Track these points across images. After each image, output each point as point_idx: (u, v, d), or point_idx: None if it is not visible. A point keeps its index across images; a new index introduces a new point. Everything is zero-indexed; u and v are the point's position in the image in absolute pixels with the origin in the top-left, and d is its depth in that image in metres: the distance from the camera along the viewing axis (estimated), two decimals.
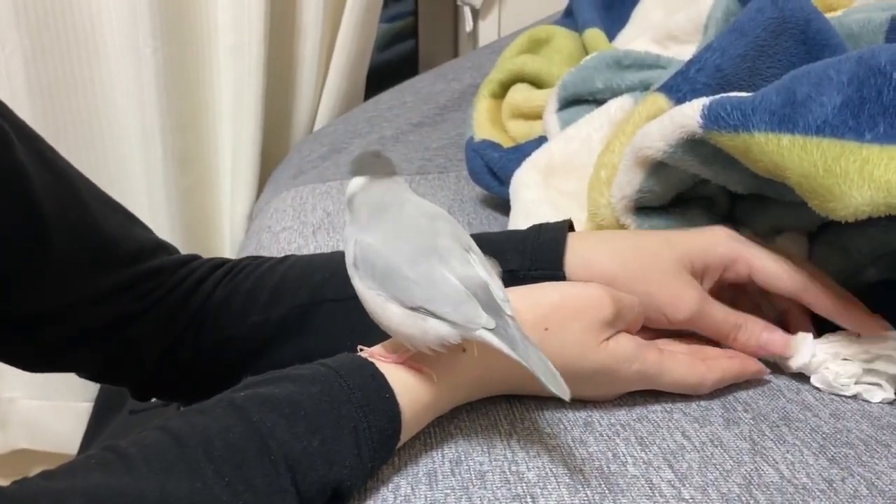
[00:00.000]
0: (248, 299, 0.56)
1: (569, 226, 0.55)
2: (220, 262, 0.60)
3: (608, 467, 0.43)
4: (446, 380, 0.44)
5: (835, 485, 0.42)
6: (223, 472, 0.36)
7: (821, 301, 0.50)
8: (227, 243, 1.36)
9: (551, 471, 0.43)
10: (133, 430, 0.39)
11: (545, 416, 0.48)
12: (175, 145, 1.26)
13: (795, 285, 0.50)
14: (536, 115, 0.85)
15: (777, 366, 0.53)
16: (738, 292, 0.55)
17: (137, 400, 0.63)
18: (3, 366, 0.55)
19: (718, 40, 0.58)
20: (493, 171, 0.84)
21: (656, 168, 0.56)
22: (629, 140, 0.57)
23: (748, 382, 0.52)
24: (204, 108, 1.29)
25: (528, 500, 0.41)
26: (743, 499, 0.41)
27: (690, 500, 0.41)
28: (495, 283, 0.41)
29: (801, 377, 0.53)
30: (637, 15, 0.93)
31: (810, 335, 0.52)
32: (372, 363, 0.43)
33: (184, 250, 0.62)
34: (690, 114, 0.51)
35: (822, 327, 0.52)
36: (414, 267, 0.41)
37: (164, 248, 0.59)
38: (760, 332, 0.52)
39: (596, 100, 0.75)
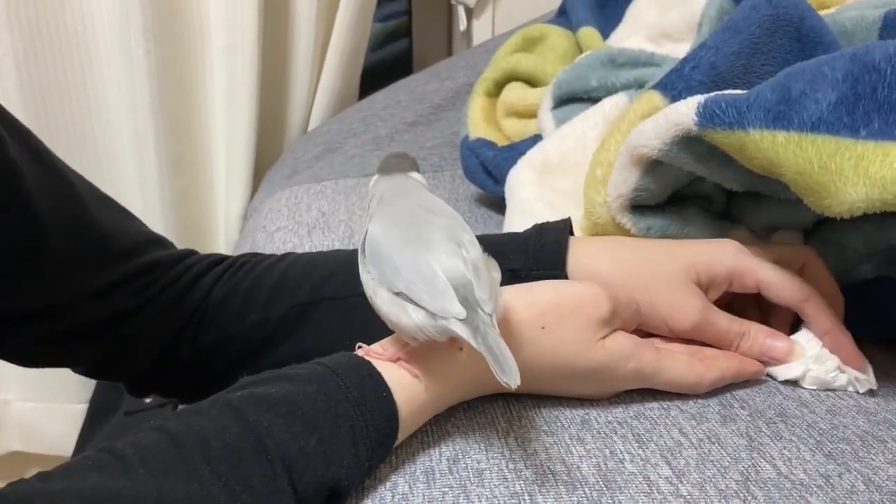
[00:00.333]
0: (247, 298, 0.56)
1: (569, 223, 0.55)
2: (219, 259, 0.60)
3: (606, 465, 0.43)
4: (443, 378, 0.44)
5: (832, 480, 0.42)
6: (220, 473, 0.36)
7: (819, 318, 0.51)
8: (222, 244, 1.36)
9: (549, 469, 0.43)
10: (128, 432, 0.39)
11: (542, 413, 0.48)
12: (168, 146, 1.25)
13: (800, 296, 0.51)
14: (531, 114, 0.85)
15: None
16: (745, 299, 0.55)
17: (134, 396, 0.62)
18: None
19: (713, 38, 0.58)
20: (487, 169, 0.84)
21: (652, 166, 0.56)
22: (624, 138, 0.57)
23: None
24: (197, 108, 1.29)
25: (526, 497, 0.41)
26: (741, 495, 0.41)
27: (688, 497, 0.41)
28: (481, 283, 0.41)
29: None
30: (631, 13, 0.93)
31: (809, 346, 0.52)
32: (369, 362, 0.43)
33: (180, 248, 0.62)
34: (686, 111, 0.51)
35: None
36: (401, 253, 0.42)
37: (159, 242, 0.59)
38: (763, 339, 0.52)
39: (591, 98, 0.75)
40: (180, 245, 0.62)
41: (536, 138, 0.79)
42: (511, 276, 0.52)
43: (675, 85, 0.58)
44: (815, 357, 0.51)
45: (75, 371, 0.59)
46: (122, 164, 1.28)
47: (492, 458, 0.44)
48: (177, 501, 0.34)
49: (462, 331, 0.40)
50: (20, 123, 0.50)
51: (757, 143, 0.47)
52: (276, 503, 0.36)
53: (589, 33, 0.91)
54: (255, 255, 0.60)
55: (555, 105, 0.78)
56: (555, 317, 0.46)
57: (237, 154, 1.30)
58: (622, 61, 0.74)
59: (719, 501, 0.41)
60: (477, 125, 0.88)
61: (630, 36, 0.84)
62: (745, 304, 0.55)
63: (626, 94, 0.70)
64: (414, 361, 0.44)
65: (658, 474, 0.43)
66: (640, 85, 0.70)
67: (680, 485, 0.42)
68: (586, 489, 0.41)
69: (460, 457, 0.44)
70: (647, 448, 0.45)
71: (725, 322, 0.51)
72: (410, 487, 0.42)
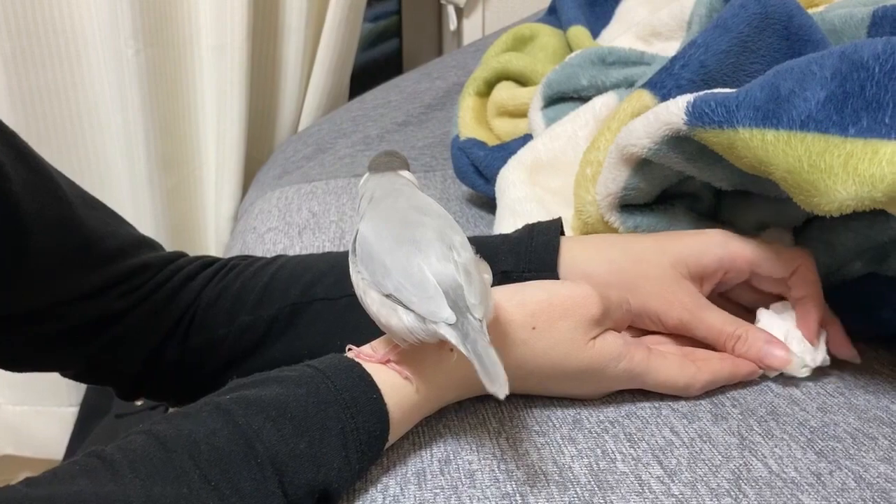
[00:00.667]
0: (237, 300, 0.56)
1: (560, 223, 0.55)
2: (209, 261, 0.60)
3: (597, 464, 0.43)
4: (434, 380, 0.44)
5: (823, 478, 0.42)
6: (209, 477, 0.35)
7: (800, 285, 0.51)
8: (213, 244, 1.35)
9: (540, 469, 0.43)
10: (119, 435, 0.38)
11: (534, 414, 0.48)
12: (158, 146, 1.25)
13: (790, 267, 0.51)
14: (522, 113, 0.85)
15: None
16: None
17: (123, 399, 0.62)
18: None
19: (702, 36, 0.58)
20: (478, 169, 0.84)
21: (641, 165, 0.56)
22: (614, 137, 0.57)
23: None
24: (187, 108, 1.28)
25: (518, 498, 0.41)
26: (732, 494, 0.41)
27: (680, 496, 0.41)
28: (472, 287, 0.41)
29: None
30: (620, 12, 0.93)
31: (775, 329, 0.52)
32: (359, 364, 0.42)
33: (169, 250, 0.61)
34: (675, 111, 0.51)
35: None
36: (391, 255, 0.42)
37: (148, 244, 0.59)
38: (761, 345, 0.51)
39: (581, 97, 0.75)
40: (171, 245, 0.61)
41: (527, 138, 0.79)
42: (503, 277, 0.52)
43: (664, 83, 0.58)
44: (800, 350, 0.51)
45: (64, 375, 0.58)
46: (112, 164, 1.27)
47: (483, 458, 0.44)
48: None
49: (451, 336, 0.39)
50: (4, 125, 0.49)
51: (746, 142, 0.47)
52: None
53: (579, 32, 0.91)
54: (246, 257, 0.60)
55: (545, 104, 0.78)
56: (546, 317, 0.46)
57: (227, 154, 1.29)
58: (612, 60, 0.74)
59: (711, 500, 0.41)
60: (467, 125, 0.88)
61: (620, 35, 0.84)
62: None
63: (616, 93, 0.69)
64: (404, 363, 0.43)
65: (650, 474, 0.42)
66: (630, 84, 0.70)
67: (671, 484, 0.42)
68: (578, 489, 0.41)
69: (451, 458, 0.44)
70: (639, 447, 0.45)
71: (720, 320, 0.51)
72: (402, 489, 0.42)
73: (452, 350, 0.44)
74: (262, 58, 1.32)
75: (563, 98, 0.76)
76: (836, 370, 0.53)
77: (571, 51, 0.89)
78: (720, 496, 0.41)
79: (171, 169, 1.29)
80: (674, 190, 0.60)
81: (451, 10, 1.58)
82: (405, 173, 0.50)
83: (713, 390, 0.50)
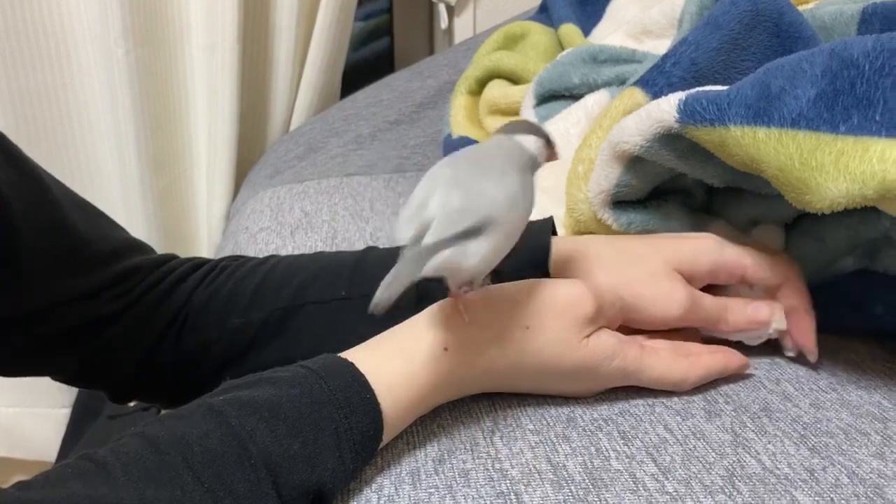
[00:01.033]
0: (228, 302, 0.56)
1: (551, 222, 0.55)
2: (200, 263, 0.59)
3: (592, 462, 0.43)
4: (428, 379, 0.44)
5: (816, 474, 0.42)
6: (203, 479, 0.35)
7: (790, 295, 0.53)
8: (205, 244, 1.35)
9: (535, 467, 0.43)
10: (112, 436, 0.38)
11: (527, 412, 0.48)
12: (149, 147, 1.24)
13: (781, 278, 0.52)
14: (514, 112, 0.85)
15: (756, 356, 0.53)
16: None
17: (115, 403, 0.62)
18: None
19: (693, 34, 0.58)
20: None
21: (633, 162, 0.56)
22: (606, 135, 0.57)
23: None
24: (178, 108, 1.28)
25: (513, 497, 0.41)
26: (726, 491, 0.41)
27: (674, 494, 0.41)
28: (439, 224, 0.39)
29: (780, 368, 0.53)
30: (611, 10, 0.93)
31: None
32: (353, 364, 0.42)
33: (161, 252, 0.61)
34: (667, 108, 0.51)
35: None
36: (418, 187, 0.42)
37: (139, 247, 0.58)
38: (745, 307, 0.52)
39: (573, 95, 0.75)
40: (163, 245, 0.61)
41: None
42: (495, 276, 0.52)
43: (656, 81, 0.58)
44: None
45: (55, 379, 0.58)
46: (103, 165, 1.27)
47: (477, 457, 0.44)
48: None
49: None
50: None
51: (738, 140, 0.48)
52: None
53: (570, 30, 0.91)
54: (237, 258, 0.60)
55: (537, 103, 0.78)
56: (539, 317, 0.46)
57: (219, 153, 1.29)
58: (604, 58, 0.74)
59: (705, 497, 0.41)
60: (460, 123, 0.88)
61: (611, 32, 0.84)
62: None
63: (607, 90, 0.70)
64: (392, 359, 0.44)
65: (644, 471, 0.43)
66: (621, 82, 0.70)
67: (666, 482, 0.42)
68: (572, 487, 0.41)
69: (446, 457, 0.44)
70: (633, 445, 0.45)
71: (710, 302, 0.52)
72: (396, 489, 0.42)
73: (464, 310, 0.44)
74: (254, 57, 1.31)
75: (554, 96, 0.76)
76: (828, 366, 0.53)
77: (563, 49, 0.89)
78: (714, 493, 0.41)
79: (163, 169, 1.28)
80: (666, 186, 0.60)
81: (442, 8, 1.58)
82: (520, 137, 0.47)
83: (706, 386, 0.51)
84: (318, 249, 0.78)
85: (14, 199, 0.47)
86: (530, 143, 0.47)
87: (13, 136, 0.51)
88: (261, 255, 0.61)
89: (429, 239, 0.38)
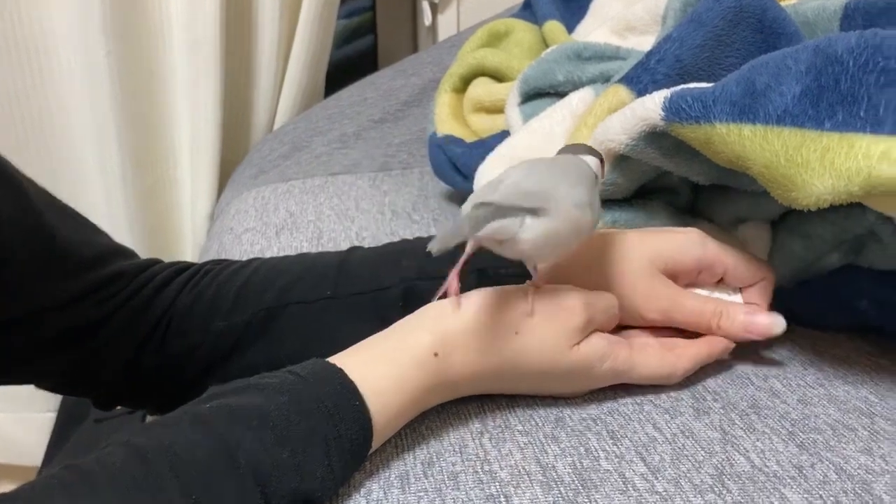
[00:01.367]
0: (212, 305, 0.55)
1: None
2: (183, 267, 0.59)
3: (581, 463, 0.43)
4: (416, 383, 0.43)
5: (805, 471, 0.43)
6: (190, 490, 0.35)
7: (758, 297, 0.53)
8: (189, 245, 1.34)
9: (524, 469, 0.43)
10: (98, 440, 0.38)
11: (516, 413, 0.48)
12: (132, 147, 1.23)
13: (759, 276, 0.52)
14: (499, 109, 0.84)
15: (743, 353, 0.53)
16: None
17: (100, 409, 0.61)
18: None
19: (677, 31, 0.58)
20: (456, 166, 0.83)
21: (619, 160, 0.56)
22: (591, 133, 0.57)
23: (717, 371, 0.52)
24: (160, 107, 1.27)
25: (502, 499, 0.40)
26: (716, 489, 0.41)
27: (663, 493, 0.41)
28: (506, 192, 0.42)
29: (768, 363, 0.53)
30: (595, 6, 0.93)
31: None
32: (342, 370, 0.42)
33: (145, 254, 0.61)
34: (652, 106, 0.51)
35: None
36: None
37: (122, 252, 0.58)
38: (743, 316, 0.51)
39: (557, 93, 0.74)
40: (147, 247, 0.61)
41: (504, 134, 0.79)
42: (479, 275, 0.52)
43: (640, 78, 0.58)
44: None
45: (39, 387, 0.57)
46: (85, 166, 1.25)
47: (466, 460, 0.43)
48: None
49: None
50: None
51: (723, 137, 0.48)
52: None
53: (554, 27, 0.91)
54: (220, 261, 0.59)
55: (522, 100, 0.77)
56: (529, 323, 0.45)
57: (202, 153, 1.28)
58: (588, 55, 0.74)
59: (694, 497, 0.41)
60: (444, 121, 0.88)
61: (595, 29, 0.84)
62: None
63: (592, 88, 0.69)
64: (381, 364, 0.43)
65: (633, 471, 0.42)
66: (606, 79, 0.70)
67: (655, 481, 0.42)
68: (562, 488, 0.41)
69: (435, 460, 0.44)
70: (622, 445, 0.45)
71: (699, 303, 0.51)
72: (385, 493, 0.41)
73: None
74: (236, 55, 1.30)
75: (539, 94, 0.76)
76: (815, 362, 0.53)
77: (547, 46, 0.89)
78: (704, 492, 0.41)
79: (145, 168, 1.27)
80: (652, 185, 0.60)
81: (425, 5, 1.58)
82: (585, 157, 0.50)
83: (694, 383, 0.51)
84: (304, 249, 0.77)
85: None
86: (592, 163, 0.50)
87: None
88: (246, 257, 0.60)
89: (494, 197, 0.41)
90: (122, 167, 1.23)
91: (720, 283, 0.53)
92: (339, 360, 0.43)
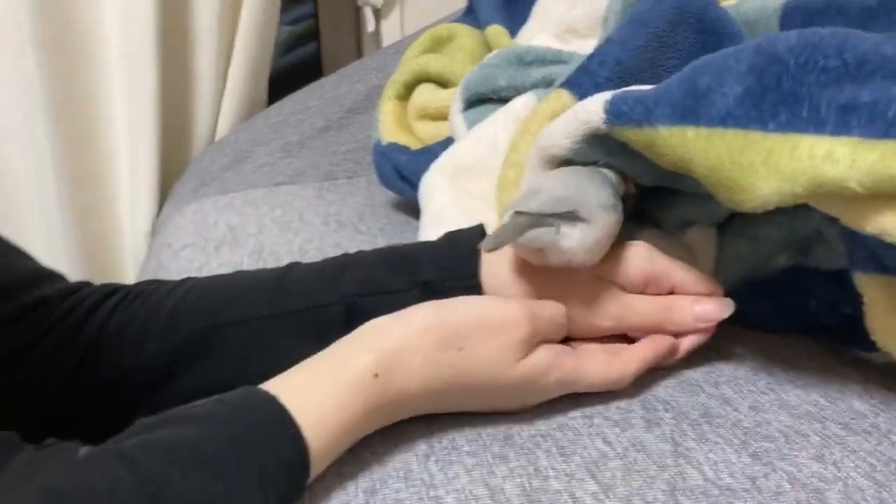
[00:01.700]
0: (143, 328, 0.53)
1: (481, 230, 0.53)
2: (113, 289, 0.56)
3: (530, 483, 0.41)
4: (355, 406, 0.41)
5: (758, 482, 0.41)
6: None
7: None
8: (130, 262, 1.30)
9: (471, 493, 0.41)
10: (38, 467, 0.35)
11: (464, 432, 0.46)
12: (68, 164, 1.20)
13: (706, 291, 0.51)
14: (443, 116, 0.83)
15: (694, 359, 0.52)
16: None
17: (29, 443, 0.58)
18: None
19: (618, 33, 0.57)
20: (402, 174, 0.81)
21: (563, 165, 0.55)
22: (534, 139, 0.56)
23: (667, 379, 0.51)
24: (96, 122, 1.23)
25: None
26: None
27: None
28: (542, 201, 0.47)
29: (719, 369, 0.52)
30: (537, 10, 0.92)
31: None
32: (275, 397, 0.40)
33: (84, 275, 0.58)
34: (594, 110, 0.50)
35: None
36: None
37: (48, 277, 0.55)
38: (692, 306, 0.51)
39: (500, 98, 0.73)
40: (85, 266, 0.58)
41: (450, 141, 0.77)
42: (425, 288, 0.50)
43: (582, 82, 0.57)
44: None
45: None
46: (20, 185, 1.22)
47: (411, 486, 0.41)
48: None
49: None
50: None
51: (666, 140, 0.46)
52: None
53: (497, 31, 0.89)
54: (153, 282, 0.57)
55: (465, 107, 0.76)
56: (473, 338, 0.44)
57: (141, 168, 1.24)
58: (530, 59, 0.72)
59: None
60: (389, 129, 0.86)
61: (538, 33, 0.83)
62: None
63: (535, 93, 0.68)
64: (317, 388, 0.41)
65: (584, 490, 0.41)
66: (548, 83, 0.68)
67: (606, 500, 0.40)
68: None
69: (378, 487, 0.42)
70: (572, 462, 0.43)
71: (648, 305, 0.51)
72: None
73: None
74: (174, 66, 1.27)
75: (482, 100, 0.75)
76: (765, 366, 0.53)
77: (490, 51, 0.87)
78: None
79: (82, 185, 1.23)
80: None
81: (368, 11, 1.56)
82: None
83: (645, 393, 0.49)
84: (245, 265, 0.75)
85: None
86: (611, 174, 0.53)
87: None
88: (184, 274, 0.58)
89: (531, 206, 0.46)
90: (58, 185, 1.20)
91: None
92: (272, 385, 0.41)
